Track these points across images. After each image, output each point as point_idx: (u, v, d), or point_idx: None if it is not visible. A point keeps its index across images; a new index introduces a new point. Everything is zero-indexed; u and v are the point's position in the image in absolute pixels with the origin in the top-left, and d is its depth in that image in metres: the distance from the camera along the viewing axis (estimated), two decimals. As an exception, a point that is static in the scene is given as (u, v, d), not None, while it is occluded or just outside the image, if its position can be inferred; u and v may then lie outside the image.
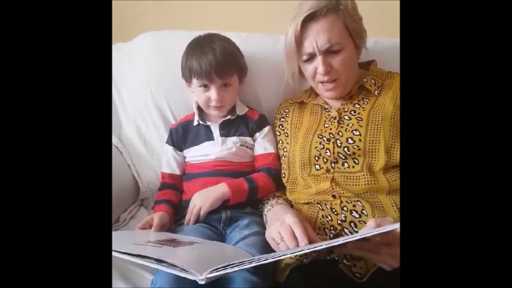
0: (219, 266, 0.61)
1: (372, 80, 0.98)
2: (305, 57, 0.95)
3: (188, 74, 1.03)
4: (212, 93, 1.00)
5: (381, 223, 0.66)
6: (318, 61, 0.92)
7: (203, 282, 0.59)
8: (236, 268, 0.61)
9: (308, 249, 0.62)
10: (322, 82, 0.96)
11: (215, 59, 0.97)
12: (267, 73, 1.13)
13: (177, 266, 0.61)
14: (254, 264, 0.60)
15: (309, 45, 0.92)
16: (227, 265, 0.61)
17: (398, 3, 0.55)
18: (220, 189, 0.96)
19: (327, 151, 0.91)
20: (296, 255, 0.82)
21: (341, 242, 0.61)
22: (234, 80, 1.03)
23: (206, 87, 1.01)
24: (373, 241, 0.65)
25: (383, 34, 1.20)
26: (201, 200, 0.95)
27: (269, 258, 0.61)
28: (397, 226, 0.56)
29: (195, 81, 1.01)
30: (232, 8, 1.43)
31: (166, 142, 1.11)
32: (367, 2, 1.30)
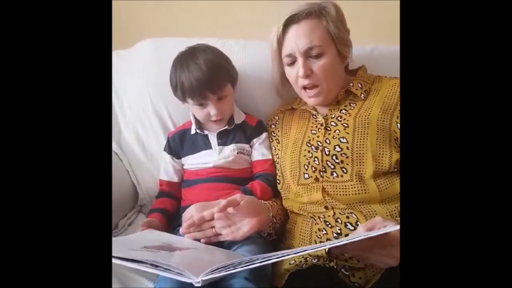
0: (214, 268, 0.61)
1: (359, 84, 0.97)
2: (287, 60, 0.95)
3: (181, 95, 1.01)
4: (211, 109, 0.99)
5: (372, 227, 0.66)
6: (299, 63, 0.92)
7: (199, 285, 0.59)
8: (232, 270, 0.60)
9: (304, 250, 0.62)
10: (304, 88, 0.95)
11: (203, 76, 0.94)
12: (266, 79, 1.14)
13: (172, 270, 0.61)
14: (250, 266, 0.60)
15: (290, 47, 0.93)
16: (222, 266, 0.61)
17: (398, 9, 0.55)
18: None
19: (316, 159, 0.90)
20: (295, 260, 0.82)
21: (341, 243, 0.60)
22: (228, 89, 1.01)
23: (202, 105, 1.00)
24: (366, 243, 0.64)
25: (382, 41, 1.20)
26: (198, 213, 0.92)
27: (264, 260, 0.61)
28: (397, 227, 0.56)
29: (190, 100, 1.00)
30: (231, 15, 1.44)
31: (164, 150, 1.11)
32: (367, 9, 1.32)
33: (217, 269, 0.61)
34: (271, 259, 0.61)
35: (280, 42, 0.95)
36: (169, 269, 0.61)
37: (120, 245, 0.81)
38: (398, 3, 0.55)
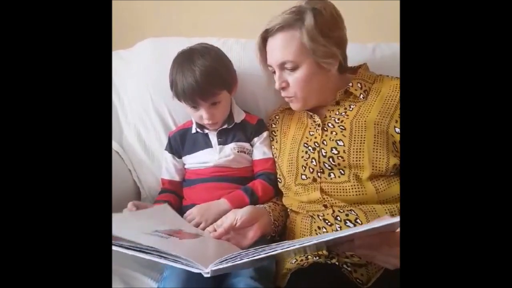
0: (223, 258, 0.61)
1: (358, 84, 0.95)
2: (270, 69, 0.96)
3: (175, 96, 1.02)
4: (203, 113, 0.99)
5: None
6: (276, 76, 0.93)
7: (208, 275, 0.60)
8: (242, 260, 0.60)
9: (309, 241, 0.61)
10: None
11: (196, 83, 0.94)
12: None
13: (181, 260, 0.61)
14: (262, 255, 0.60)
15: (269, 59, 0.94)
16: (231, 257, 0.61)
17: (398, 7, 0.55)
18: (221, 206, 0.95)
19: (313, 160, 0.90)
20: (296, 259, 0.82)
21: (347, 233, 0.59)
22: (223, 96, 1.00)
23: (195, 107, 1.00)
24: (374, 240, 0.64)
25: (383, 39, 1.20)
26: (200, 215, 0.93)
27: (271, 250, 0.60)
28: (397, 219, 0.55)
29: (183, 102, 1.01)
30: (232, 14, 1.44)
31: (165, 149, 1.12)
32: (367, 7, 1.32)
33: (226, 260, 0.61)
34: (277, 250, 0.61)
35: (262, 53, 0.95)
36: (177, 260, 0.61)
37: (131, 224, 0.80)
38: (398, 2, 0.55)
